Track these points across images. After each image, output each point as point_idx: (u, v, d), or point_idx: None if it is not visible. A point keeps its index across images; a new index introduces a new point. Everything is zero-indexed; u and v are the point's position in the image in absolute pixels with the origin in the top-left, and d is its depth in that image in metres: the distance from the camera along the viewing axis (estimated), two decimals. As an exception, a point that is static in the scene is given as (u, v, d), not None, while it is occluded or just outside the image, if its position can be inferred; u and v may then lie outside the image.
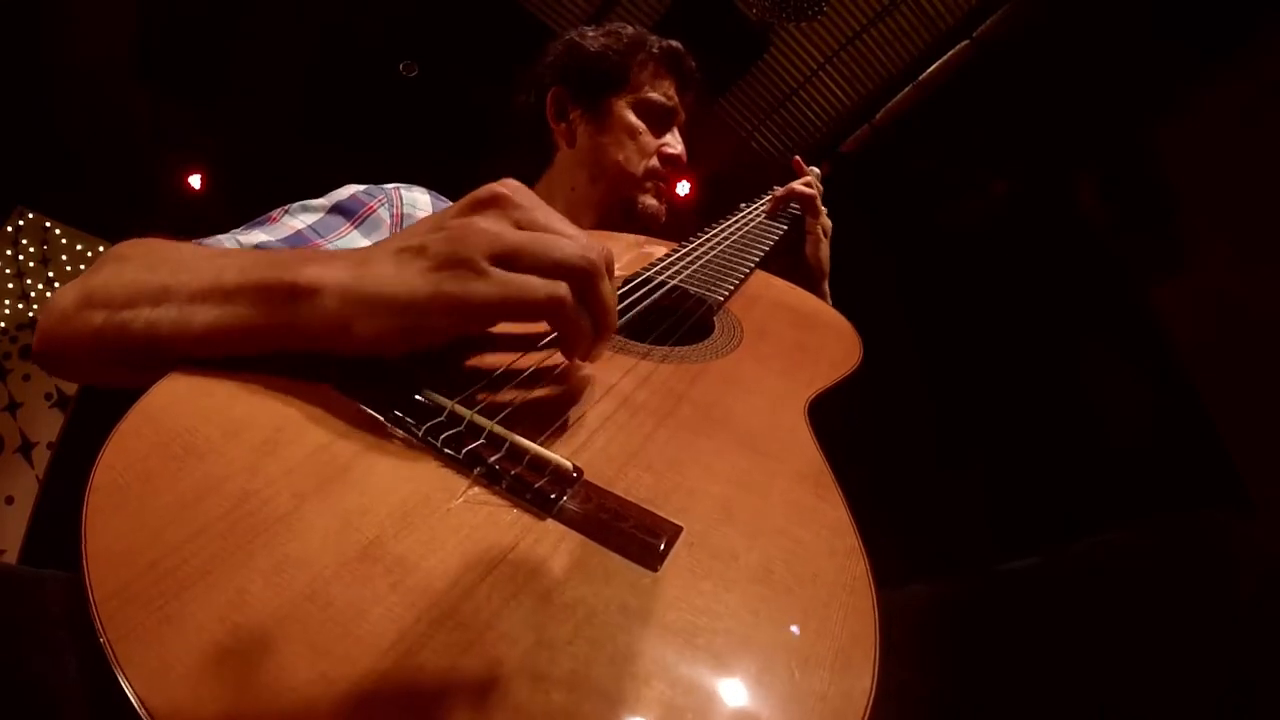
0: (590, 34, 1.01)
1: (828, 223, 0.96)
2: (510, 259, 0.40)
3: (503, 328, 0.50)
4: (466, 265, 0.39)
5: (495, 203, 0.42)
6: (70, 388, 3.04)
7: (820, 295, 0.92)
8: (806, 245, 0.94)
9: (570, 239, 0.41)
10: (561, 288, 0.39)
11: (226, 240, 0.67)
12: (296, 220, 0.73)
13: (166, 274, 0.45)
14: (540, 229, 0.41)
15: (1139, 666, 0.40)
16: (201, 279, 0.44)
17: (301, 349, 0.42)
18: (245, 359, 0.42)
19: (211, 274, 0.44)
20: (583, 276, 0.40)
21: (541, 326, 0.52)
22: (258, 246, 0.67)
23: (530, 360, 0.47)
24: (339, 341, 0.41)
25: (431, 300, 0.39)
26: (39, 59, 2.73)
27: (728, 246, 0.82)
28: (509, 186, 0.43)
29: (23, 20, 2.59)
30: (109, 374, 0.49)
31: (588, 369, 0.48)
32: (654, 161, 0.95)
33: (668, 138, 0.98)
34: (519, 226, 0.41)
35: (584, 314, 0.41)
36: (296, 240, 0.70)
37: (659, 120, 0.97)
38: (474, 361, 0.46)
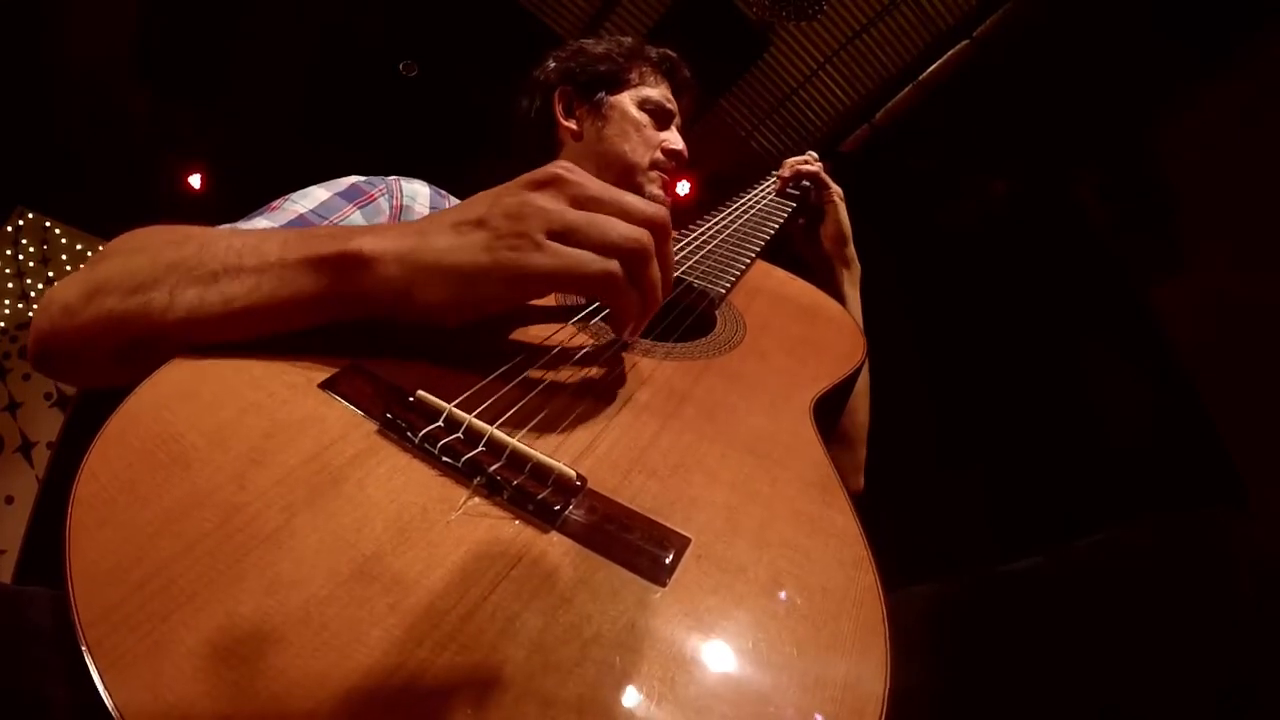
0: (591, 42, 1.05)
1: (839, 189, 1.00)
2: (566, 235, 0.42)
3: (499, 326, 0.49)
4: (524, 238, 0.41)
5: (553, 183, 0.44)
6: (70, 387, 3.03)
7: (846, 261, 0.97)
8: (827, 215, 0.99)
9: (627, 213, 0.44)
10: (613, 264, 0.42)
11: (228, 229, 0.67)
12: (298, 205, 0.73)
13: (193, 249, 0.45)
14: (596, 206, 0.44)
15: (1140, 667, 0.39)
16: (235, 255, 0.44)
17: (353, 318, 0.43)
18: (232, 357, 0.41)
19: (247, 249, 0.44)
20: (634, 258, 0.43)
21: (540, 328, 0.52)
22: None
23: (529, 360, 0.47)
24: (399, 308, 0.43)
25: (490, 270, 0.41)
26: (39, 59, 2.72)
27: (728, 236, 0.82)
28: (564, 167, 0.45)
29: (22, 20, 2.58)
30: (114, 368, 0.48)
31: (589, 367, 0.48)
32: (657, 154, 0.98)
33: (669, 134, 1.00)
34: (575, 204, 0.43)
35: (634, 291, 0.43)
36: (299, 223, 0.71)
37: (660, 118, 1.00)
38: (470, 360, 0.45)
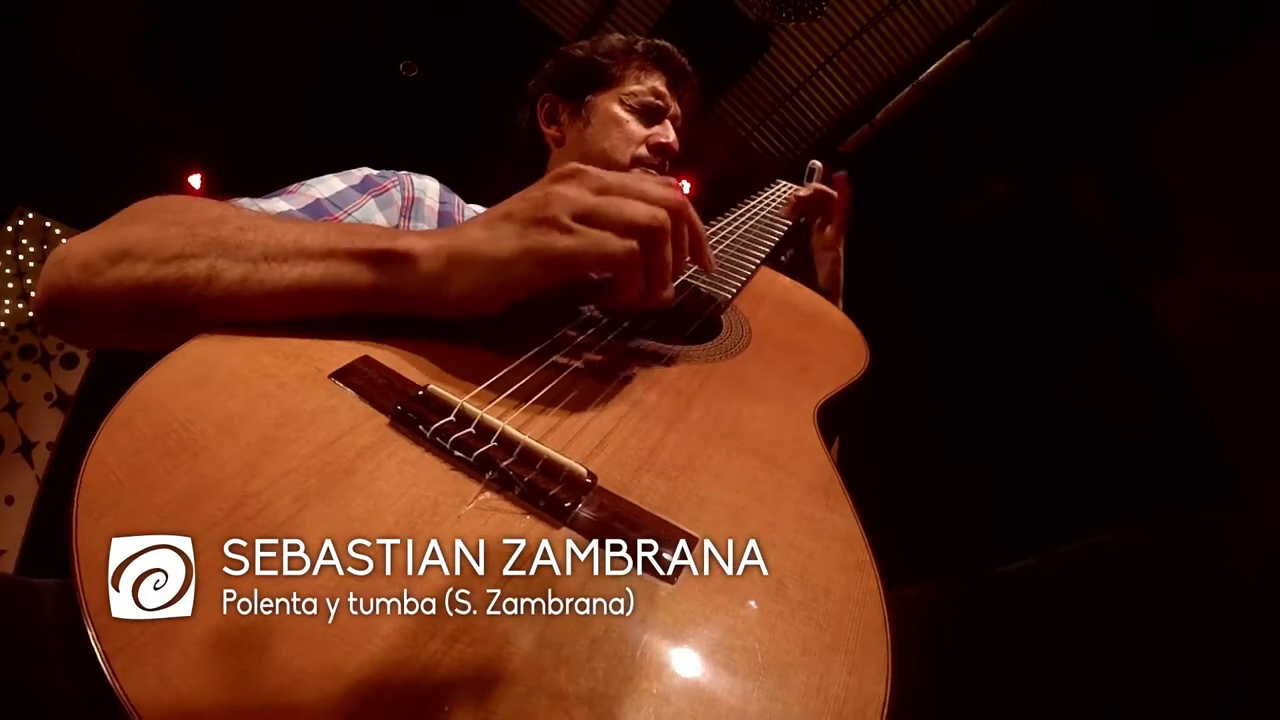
0: (577, 45, 1.03)
1: (827, 237, 0.94)
2: (589, 217, 0.45)
3: (509, 324, 0.50)
4: (552, 222, 0.44)
5: (574, 175, 0.47)
6: (70, 387, 3.03)
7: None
8: (821, 268, 0.92)
9: (646, 196, 0.46)
10: (634, 244, 0.45)
11: (246, 203, 0.68)
12: (314, 190, 0.74)
13: (232, 229, 0.46)
14: (616, 192, 0.46)
15: (1139, 668, 0.40)
16: (277, 239, 0.46)
17: (393, 311, 0.45)
18: (243, 346, 0.41)
19: (289, 237, 0.46)
20: (651, 235, 0.45)
21: (551, 328, 0.52)
22: (280, 214, 0.68)
23: (540, 357, 0.47)
24: (434, 300, 0.45)
25: (522, 253, 0.44)
26: (38, 59, 2.72)
27: (734, 242, 0.82)
28: (580, 165, 0.48)
29: (23, 20, 2.58)
30: (131, 333, 0.48)
31: (598, 368, 0.48)
32: (642, 149, 0.94)
33: (657, 128, 0.96)
34: (596, 193, 0.46)
35: (648, 271, 0.46)
36: (316, 208, 0.71)
37: (648, 114, 0.97)
38: (480, 357, 0.45)
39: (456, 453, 0.36)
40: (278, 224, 0.48)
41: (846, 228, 0.95)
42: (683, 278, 0.68)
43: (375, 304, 0.45)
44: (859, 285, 0.98)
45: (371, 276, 0.45)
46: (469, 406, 0.38)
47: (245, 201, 0.68)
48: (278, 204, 0.70)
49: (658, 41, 1.02)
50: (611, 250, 0.44)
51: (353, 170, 0.80)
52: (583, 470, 0.36)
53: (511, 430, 0.37)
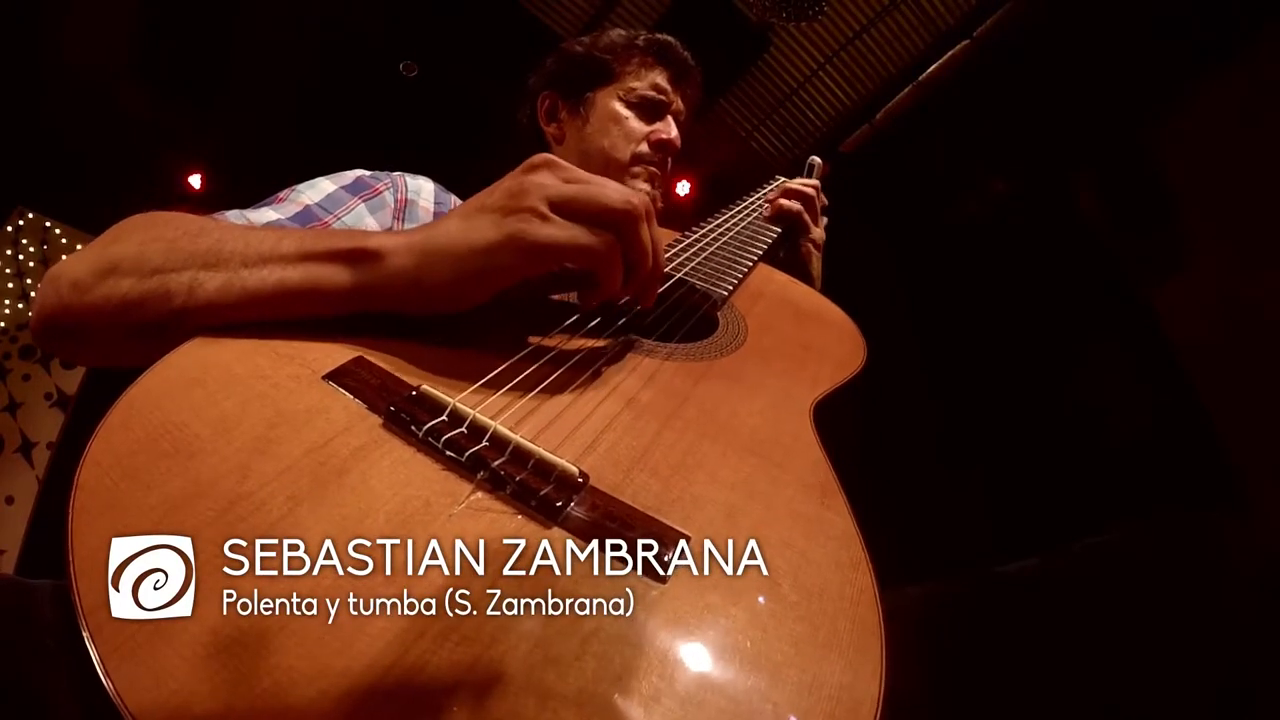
0: (577, 41, 1.02)
1: (820, 234, 0.94)
2: (564, 206, 0.45)
3: (502, 324, 0.50)
4: (529, 211, 0.44)
5: (544, 164, 0.47)
6: (70, 387, 3.03)
7: None
8: (798, 259, 0.92)
9: (614, 188, 0.47)
10: (611, 238, 0.45)
11: (234, 216, 0.68)
12: (304, 196, 0.73)
13: (211, 241, 0.47)
14: (586, 183, 0.47)
15: (1138, 668, 0.40)
16: (254, 247, 0.46)
17: (377, 309, 0.45)
18: (237, 348, 0.41)
19: (266, 244, 0.47)
20: (626, 220, 0.46)
21: (544, 327, 0.52)
22: (269, 224, 0.68)
23: (533, 357, 0.47)
24: (411, 295, 0.45)
25: (500, 243, 0.44)
26: (38, 59, 2.72)
27: (730, 239, 0.81)
28: (549, 155, 0.48)
29: (23, 20, 2.58)
30: (122, 347, 0.49)
31: (591, 366, 0.48)
32: (642, 147, 0.93)
33: (658, 124, 0.95)
34: (567, 182, 0.46)
35: (626, 263, 0.47)
36: (305, 215, 0.71)
37: (649, 110, 0.95)
38: (473, 357, 0.45)
39: (448, 453, 0.36)
40: (256, 233, 0.49)
41: (816, 217, 0.95)
42: (679, 275, 0.67)
43: (358, 303, 0.46)
44: (859, 285, 0.98)
45: (347, 276, 0.45)
46: (461, 406, 0.38)
47: (234, 214, 0.68)
48: (267, 214, 0.70)
49: (660, 36, 1.00)
50: (588, 243, 0.44)
51: (346, 171, 0.80)
52: (574, 470, 0.36)
53: (503, 430, 0.37)
